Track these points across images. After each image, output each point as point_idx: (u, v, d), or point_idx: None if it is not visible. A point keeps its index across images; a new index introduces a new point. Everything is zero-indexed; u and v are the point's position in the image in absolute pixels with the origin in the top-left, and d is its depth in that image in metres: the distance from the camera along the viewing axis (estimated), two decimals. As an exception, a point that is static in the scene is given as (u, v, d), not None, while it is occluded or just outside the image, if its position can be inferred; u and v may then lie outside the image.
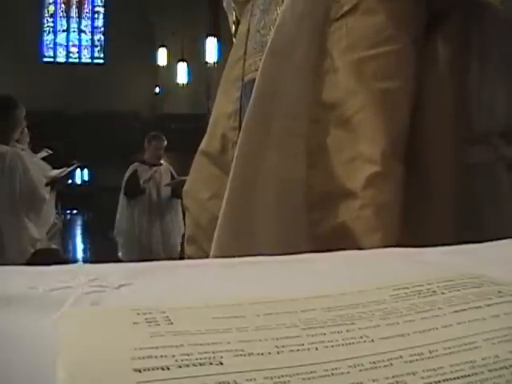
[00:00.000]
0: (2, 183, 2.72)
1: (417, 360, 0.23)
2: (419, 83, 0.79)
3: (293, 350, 0.24)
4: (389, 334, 0.25)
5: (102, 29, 13.97)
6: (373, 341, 0.25)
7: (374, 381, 0.21)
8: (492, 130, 0.84)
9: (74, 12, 14.00)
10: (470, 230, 0.78)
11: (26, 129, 2.97)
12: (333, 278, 0.38)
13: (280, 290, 0.34)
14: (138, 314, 0.27)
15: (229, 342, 0.24)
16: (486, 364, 0.22)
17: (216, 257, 0.78)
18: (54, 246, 3.12)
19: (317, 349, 0.24)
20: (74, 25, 14.05)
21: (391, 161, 0.74)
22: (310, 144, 0.77)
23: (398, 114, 0.77)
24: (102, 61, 13.87)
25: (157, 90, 13.50)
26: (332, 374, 0.22)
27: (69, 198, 7.54)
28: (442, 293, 0.30)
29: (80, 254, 7.67)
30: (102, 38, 13.98)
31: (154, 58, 13.03)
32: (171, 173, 4.53)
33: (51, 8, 13.74)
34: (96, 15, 14.05)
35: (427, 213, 0.78)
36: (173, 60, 12.75)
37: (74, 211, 11.22)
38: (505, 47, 0.83)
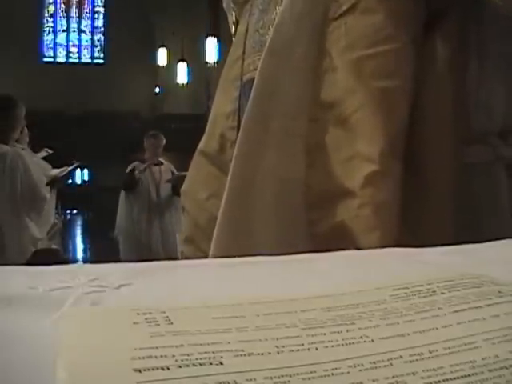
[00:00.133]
0: (3, 183, 2.72)
1: (417, 360, 0.23)
2: (418, 82, 0.79)
3: (293, 350, 0.24)
4: (389, 334, 0.25)
5: (102, 29, 13.97)
6: (373, 341, 0.25)
7: (373, 381, 0.21)
8: (491, 130, 0.84)
9: (74, 12, 14.00)
10: (469, 229, 0.78)
11: (25, 128, 2.97)
12: (333, 278, 0.38)
13: (280, 290, 0.34)
14: (138, 314, 0.27)
15: (229, 342, 0.24)
16: (485, 364, 0.22)
17: (215, 256, 0.78)
18: (54, 246, 3.12)
19: (317, 349, 0.24)
20: (73, 25, 14.05)
21: (389, 160, 0.74)
22: (308, 143, 0.78)
23: (396, 112, 0.77)
24: (102, 61, 13.87)
25: (157, 89, 13.50)
26: (332, 374, 0.22)
27: (69, 198, 7.54)
28: (442, 293, 0.30)
29: (80, 254, 7.67)
30: (102, 37, 13.98)
31: (154, 58, 13.03)
32: (172, 172, 4.53)
33: (51, 8, 13.74)
34: (96, 15, 14.05)
35: (425, 212, 0.78)
36: (173, 60, 12.75)
37: (74, 211, 11.22)
38: (504, 45, 0.83)
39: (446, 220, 0.79)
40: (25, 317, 0.29)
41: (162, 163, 4.57)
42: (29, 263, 2.20)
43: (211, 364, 0.22)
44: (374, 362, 0.23)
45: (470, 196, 0.81)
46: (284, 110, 0.79)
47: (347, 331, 0.26)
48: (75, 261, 6.43)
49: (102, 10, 14.01)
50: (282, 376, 0.21)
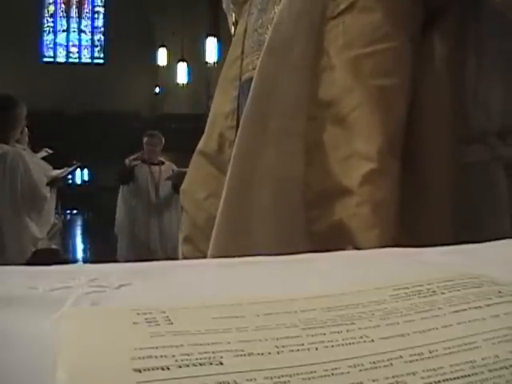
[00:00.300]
0: (4, 183, 2.72)
1: (417, 360, 0.23)
2: (416, 81, 0.79)
3: (293, 350, 0.24)
4: (389, 334, 0.25)
5: (102, 29, 13.97)
6: (373, 341, 0.25)
7: (373, 381, 0.21)
8: (489, 129, 0.84)
9: (74, 12, 14.00)
10: (468, 229, 0.78)
11: (25, 128, 2.97)
12: (333, 278, 0.38)
13: (280, 290, 0.34)
14: (138, 314, 0.27)
15: (229, 342, 0.24)
16: (486, 364, 0.22)
17: (214, 256, 0.78)
18: (54, 246, 3.12)
19: (317, 349, 0.24)
20: (73, 25, 14.05)
21: (388, 158, 0.74)
22: (307, 142, 0.78)
23: (394, 111, 0.77)
24: (101, 61, 13.87)
25: (157, 89, 13.50)
26: (332, 374, 0.22)
27: (69, 198, 7.54)
28: (442, 293, 0.30)
29: (80, 254, 7.66)
30: (102, 38, 13.98)
31: (154, 58, 13.03)
32: (173, 171, 4.51)
33: (51, 8, 13.74)
34: (96, 15, 14.05)
35: (424, 211, 0.78)
36: (173, 60, 12.75)
37: (74, 211, 11.21)
38: (502, 43, 0.83)
39: (444, 219, 0.79)
40: (25, 317, 0.29)
41: (162, 163, 4.55)
42: (29, 263, 2.20)
43: (211, 364, 0.22)
44: (373, 362, 0.23)
45: (468, 195, 0.81)
46: (282, 109, 0.79)
47: (347, 331, 0.26)
48: (75, 261, 6.42)
49: (101, 10, 14.01)
50: (282, 376, 0.21)
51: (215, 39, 11.40)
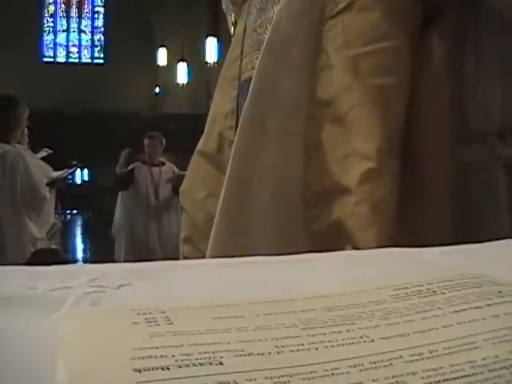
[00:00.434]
0: (4, 183, 2.72)
1: (417, 360, 0.23)
2: (414, 80, 0.79)
3: (293, 350, 0.24)
4: (389, 334, 0.25)
5: (102, 29, 13.97)
6: (373, 341, 0.25)
7: (373, 381, 0.21)
8: (489, 129, 0.84)
9: (74, 12, 14.00)
10: (467, 228, 0.78)
11: (25, 129, 2.97)
12: (333, 278, 0.38)
13: (280, 290, 0.34)
14: (138, 314, 0.27)
15: (229, 342, 0.24)
16: (486, 364, 0.22)
17: (212, 256, 0.78)
18: (54, 246, 3.12)
19: (317, 349, 0.24)
20: (73, 25, 14.05)
21: (386, 157, 0.74)
22: (306, 141, 0.78)
23: (393, 110, 0.77)
24: (102, 61, 13.87)
25: (157, 90, 13.50)
26: (332, 374, 0.22)
27: (69, 198, 7.54)
28: (442, 293, 0.30)
29: (80, 254, 7.66)
30: (102, 38, 13.98)
31: (154, 58, 13.03)
32: (173, 173, 4.50)
33: (51, 8, 13.74)
34: (96, 15, 14.05)
35: (422, 210, 0.78)
36: (173, 60, 12.75)
37: (74, 211, 11.21)
38: (501, 42, 0.84)
39: (443, 218, 0.79)
40: (25, 317, 0.29)
41: (163, 164, 4.54)
42: (29, 263, 2.20)
43: (211, 364, 0.22)
44: (373, 362, 0.23)
45: (468, 195, 0.81)
46: (282, 109, 0.79)
47: (347, 331, 0.26)
48: (75, 261, 6.42)
49: (101, 10, 14.01)
50: (282, 376, 0.21)
51: (215, 39, 11.40)
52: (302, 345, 0.24)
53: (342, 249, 0.72)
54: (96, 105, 12.28)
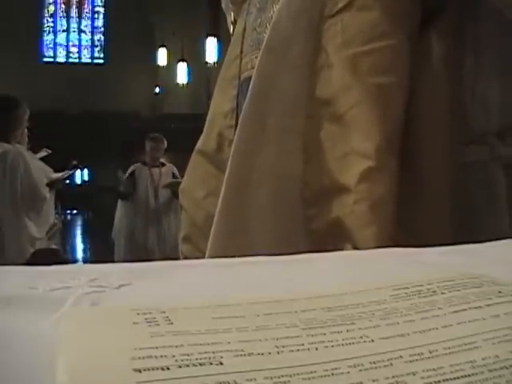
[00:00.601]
0: (4, 183, 2.72)
1: (417, 360, 0.23)
2: (413, 79, 0.79)
3: (293, 350, 0.24)
4: (389, 334, 0.25)
5: (102, 29, 13.97)
6: (373, 341, 0.25)
7: (373, 381, 0.21)
8: (488, 129, 0.84)
9: (74, 12, 14.00)
10: (466, 229, 0.78)
11: (25, 129, 2.97)
12: (333, 278, 0.38)
13: (280, 289, 0.34)
14: (138, 314, 0.27)
15: (229, 342, 0.24)
16: (485, 364, 0.22)
17: (212, 255, 0.78)
18: (54, 246, 3.12)
19: (317, 349, 0.24)
20: (73, 25, 14.05)
21: (385, 156, 0.75)
22: (305, 140, 0.78)
23: (392, 109, 0.77)
24: (101, 61, 13.87)
25: (157, 90, 13.50)
26: (332, 374, 0.22)
27: (69, 198, 7.54)
28: (442, 293, 0.30)
29: (80, 254, 7.66)
30: (102, 38, 13.99)
31: (154, 58, 13.04)
32: (173, 174, 4.49)
33: (51, 8, 13.74)
34: (96, 15, 14.05)
35: (421, 209, 0.78)
36: (173, 60, 12.75)
37: (74, 211, 11.21)
38: (500, 42, 0.84)
39: (441, 218, 0.79)
40: (24, 317, 0.29)
41: (163, 164, 4.53)
42: (29, 263, 2.20)
43: (211, 364, 0.22)
44: (373, 362, 0.23)
45: (467, 195, 0.81)
46: (282, 108, 0.79)
47: (347, 331, 0.26)
48: (75, 261, 6.42)
49: (102, 10, 14.01)
50: (282, 376, 0.21)
51: (215, 39, 11.41)
52: (302, 345, 0.24)
53: (342, 247, 0.72)
54: (96, 105, 12.29)
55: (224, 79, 1.00)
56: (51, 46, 13.81)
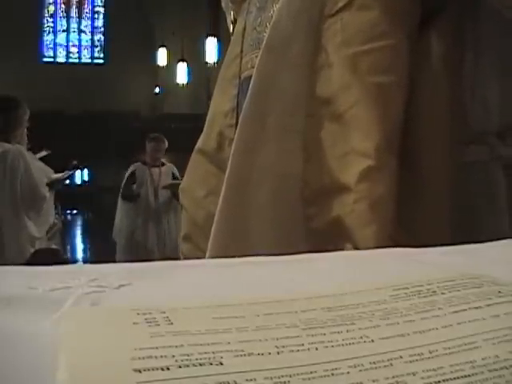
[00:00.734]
0: (4, 182, 2.72)
1: (417, 360, 0.23)
2: (413, 78, 0.79)
3: (293, 350, 0.24)
4: (389, 334, 0.25)
5: (102, 29, 13.98)
6: (373, 341, 0.25)
7: (373, 381, 0.21)
8: (489, 129, 0.84)
9: (74, 12, 14.01)
10: (466, 228, 0.78)
11: (25, 129, 2.97)
12: (333, 278, 0.38)
13: (280, 289, 0.34)
14: (138, 314, 0.27)
15: (229, 342, 0.24)
16: (485, 364, 0.22)
17: (213, 254, 0.79)
18: (54, 246, 3.12)
19: (317, 349, 0.24)
20: (73, 25, 14.05)
21: (385, 155, 0.75)
22: (305, 139, 0.78)
23: (392, 108, 0.77)
24: (101, 61, 13.88)
25: (157, 90, 13.50)
26: (332, 374, 0.22)
27: (69, 198, 7.54)
28: (442, 293, 0.30)
29: (80, 254, 7.66)
30: (102, 38, 13.99)
31: (154, 58, 13.04)
32: (173, 174, 4.49)
33: (51, 8, 13.74)
34: (96, 15, 14.05)
35: (421, 209, 0.78)
36: (173, 60, 12.75)
37: (74, 211, 11.21)
38: (500, 42, 0.84)
39: (441, 217, 0.79)
40: (24, 317, 0.29)
41: (163, 164, 4.52)
42: (29, 263, 2.20)
43: (211, 364, 0.22)
44: (374, 362, 0.22)
45: (467, 195, 0.81)
46: (282, 107, 0.79)
47: (347, 331, 0.26)
48: (75, 261, 6.42)
49: (102, 10, 14.02)
50: (282, 376, 0.21)
51: (215, 39, 11.41)
52: (302, 345, 0.24)
53: (341, 247, 0.72)
54: (96, 105, 12.29)
55: (224, 78, 1.00)
56: (51, 46, 13.81)
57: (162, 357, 0.22)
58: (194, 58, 12.40)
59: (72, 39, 14.02)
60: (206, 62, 11.68)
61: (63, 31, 13.96)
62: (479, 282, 0.31)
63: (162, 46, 12.86)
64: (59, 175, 3.08)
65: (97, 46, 14.04)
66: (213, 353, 0.23)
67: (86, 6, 14.02)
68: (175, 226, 4.25)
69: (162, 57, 12.97)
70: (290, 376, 0.21)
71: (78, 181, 11.85)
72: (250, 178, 0.79)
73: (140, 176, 4.44)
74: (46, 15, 13.74)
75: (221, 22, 9.00)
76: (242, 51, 0.95)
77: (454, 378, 0.21)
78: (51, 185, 2.93)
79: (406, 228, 0.76)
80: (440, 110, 0.81)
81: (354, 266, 0.42)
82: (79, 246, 8.61)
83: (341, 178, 0.75)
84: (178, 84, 12.89)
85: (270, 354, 0.23)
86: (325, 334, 0.25)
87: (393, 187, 0.75)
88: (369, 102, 0.76)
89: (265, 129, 0.79)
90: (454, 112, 0.82)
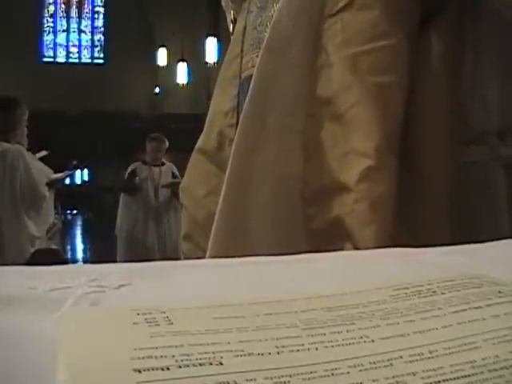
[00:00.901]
0: (4, 182, 2.72)
1: (417, 360, 0.23)
2: (413, 78, 0.79)
3: (293, 350, 0.24)
4: (389, 334, 0.25)
5: (102, 29, 13.98)
6: (373, 341, 0.25)
7: (373, 381, 0.21)
8: (488, 129, 0.84)
9: (74, 12, 14.01)
10: (466, 228, 0.78)
11: (25, 129, 2.97)
12: (333, 278, 0.38)
13: (280, 289, 0.34)
14: (138, 314, 0.27)
15: (229, 342, 0.24)
16: (485, 364, 0.22)
17: (213, 253, 0.79)
18: (54, 246, 3.12)
19: (317, 349, 0.24)
20: (73, 25, 14.06)
21: (385, 155, 0.75)
22: (305, 139, 0.78)
23: (392, 108, 0.77)
24: (101, 61, 13.88)
25: (157, 90, 13.51)
26: (332, 374, 0.22)
27: (69, 198, 7.54)
28: (442, 293, 0.30)
29: (80, 254, 7.66)
30: (102, 38, 13.99)
31: (154, 58, 13.04)
32: (173, 173, 4.49)
33: (51, 8, 13.74)
34: (96, 15, 14.06)
35: (420, 209, 0.79)
36: (173, 60, 12.76)
37: (74, 211, 11.21)
38: (500, 43, 0.84)
39: (441, 217, 0.79)
40: (24, 317, 0.29)
41: (162, 164, 4.53)
42: (29, 263, 2.20)
43: (211, 364, 0.22)
44: (374, 362, 0.22)
45: (467, 195, 0.81)
46: (282, 107, 0.79)
47: (347, 331, 0.26)
48: (75, 261, 6.42)
49: (102, 10, 14.02)
50: (282, 376, 0.21)
51: (215, 39, 11.42)
52: (302, 345, 0.24)
53: (341, 246, 0.72)
54: (96, 105, 12.29)
55: (224, 78, 1.00)
56: (51, 46, 13.81)
57: (161, 357, 0.22)
58: (194, 58, 12.40)
59: (72, 39, 14.03)
60: (206, 62, 11.69)
61: (63, 31, 13.96)
62: (479, 282, 0.31)
63: (162, 45, 12.87)
64: (59, 175, 3.09)
65: (97, 46, 14.05)
66: (213, 353, 0.23)
67: (86, 6, 14.02)
68: (175, 225, 4.26)
69: (161, 57, 12.98)
70: (290, 376, 0.21)
71: (78, 181, 11.86)
72: (251, 177, 0.79)
73: (140, 175, 4.45)
74: (46, 15, 13.74)
75: (221, 22, 9.00)
76: (242, 51, 0.95)
77: (454, 378, 0.21)
78: (51, 184, 2.94)
79: (407, 228, 0.76)
80: (440, 110, 0.81)
81: (354, 266, 0.42)
82: (79, 246, 8.61)
83: (341, 178, 0.75)
84: (178, 84, 12.90)
85: (269, 354, 0.23)
86: (325, 334, 0.25)
87: (393, 187, 0.75)
88: (369, 102, 0.76)
89: (265, 129, 0.79)
90: (454, 112, 0.82)
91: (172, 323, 0.26)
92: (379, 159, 0.74)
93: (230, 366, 0.22)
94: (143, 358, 0.22)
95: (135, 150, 4.91)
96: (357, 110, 0.76)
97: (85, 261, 6.73)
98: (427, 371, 0.22)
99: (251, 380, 0.21)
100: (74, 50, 14.02)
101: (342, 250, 0.69)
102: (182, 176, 1.10)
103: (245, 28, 0.96)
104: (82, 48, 14.04)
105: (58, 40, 13.86)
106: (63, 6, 13.87)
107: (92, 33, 14.08)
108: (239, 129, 0.82)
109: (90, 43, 14.05)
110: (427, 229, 0.77)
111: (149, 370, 0.21)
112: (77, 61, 13.95)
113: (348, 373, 0.22)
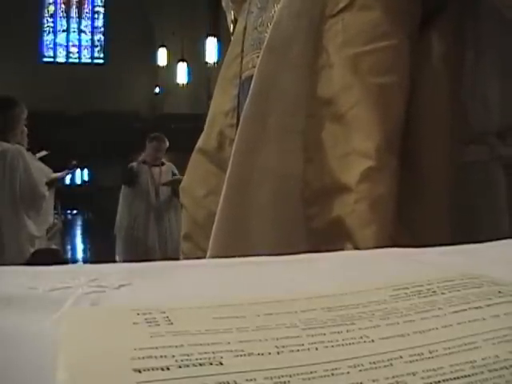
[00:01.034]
0: (3, 182, 2.72)
1: (417, 360, 0.23)
2: (414, 79, 0.79)
3: (293, 350, 0.24)
4: (389, 334, 0.25)
5: (102, 29, 13.98)
6: (373, 341, 0.25)
7: (373, 381, 0.21)
8: (488, 129, 0.84)
9: (74, 12, 14.01)
10: (466, 228, 0.78)
11: (25, 129, 2.97)
12: (333, 278, 0.38)
13: (280, 289, 0.34)
14: (138, 314, 0.27)
15: (229, 342, 0.24)
16: (485, 364, 0.22)
17: (213, 253, 0.79)
18: (54, 246, 3.12)
19: (317, 349, 0.24)
20: (73, 25, 14.06)
21: (386, 155, 0.75)
22: (306, 140, 0.78)
23: (393, 108, 0.77)
24: (101, 61, 13.88)
25: (157, 90, 13.51)
26: (332, 374, 0.22)
27: (69, 198, 7.54)
28: (442, 293, 0.30)
29: (80, 254, 7.66)
30: (102, 38, 13.99)
31: (154, 58, 13.04)
32: (173, 172, 4.49)
33: (51, 8, 13.74)
34: (96, 15, 14.06)
35: (421, 209, 0.79)
36: (173, 60, 12.76)
37: (74, 211, 11.21)
38: (500, 42, 0.84)
39: (441, 217, 0.79)
40: (24, 317, 0.29)
41: (162, 163, 4.53)
42: (29, 263, 2.20)
43: (211, 364, 0.22)
44: (374, 362, 0.22)
45: (467, 195, 0.81)
46: (282, 107, 0.79)
47: (347, 331, 0.26)
48: (75, 261, 6.42)
49: (101, 10, 14.02)
50: (282, 376, 0.21)
51: (215, 39, 11.42)
52: (302, 345, 0.24)
53: (342, 246, 0.72)
54: (96, 105, 12.29)
55: (225, 78, 1.00)
56: (51, 46, 13.81)
57: (161, 357, 0.22)
58: (194, 58, 12.40)
59: (72, 39, 14.03)
60: (206, 62, 11.69)
61: (63, 31, 13.96)
62: (479, 282, 0.31)
63: (162, 45, 12.87)
64: (58, 174, 3.09)
65: (97, 46, 14.05)
66: (213, 353, 0.23)
67: (86, 5, 14.02)
68: (176, 225, 4.25)
69: (162, 57, 12.98)
70: (290, 376, 0.21)
71: (78, 181, 11.86)
72: (251, 178, 0.79)
73: (140, 174, 4.45)
74: (46, 15, 13.74)
75: (221, 22, 9.00)
76: (242, 51, 0.95)
77: (454, 378, 0.21)
78: (51, 184, 2.94)
79: (407, 228, 0.76)
80: (440, 110, 0.81)
81: (354, 266, 0.42)
82: (79, 246, 8.60)
83: (341, 179, 0.75)
84: (178, 84, 12.90)
85: (270, 354, 0.23)
86: (325, 334, 0.25)
87: (393, 187, 0.75)
88: (370, 102, 0.76)
89: (266, 129, 0.79)
90: (455, 111, 0.82)
91: (172, 323, 0.26)
92: (380, 160, 0.74)
93: (230, 366, 0.22)
94: (143, 358, 0.22)
95: (135, 150, 4.90)
96: (357, 110, 0.76)
97: (85, 261, 6.73)
98: (427, 371, 0.22)
99: (251, 380, 0.21)
100: (74, 50, 14.01)
101: (342, 250, 0.69)
102: (183, 176, 1.10)
103: (245, 28, 0.96)
104: (82, 48, 14.04)
105: (57, 40, 13.86)
106: (63, 6, 13.87)
107: (92, 33, 14.08)
108: (240, 129, 0.82)
109: (89, 43, 14.05)
110: (427, 229, 0.77)
111: (149, 370, 0.21)
112: (77, 61, 13.95)
113: (348, 373, 0.22)
